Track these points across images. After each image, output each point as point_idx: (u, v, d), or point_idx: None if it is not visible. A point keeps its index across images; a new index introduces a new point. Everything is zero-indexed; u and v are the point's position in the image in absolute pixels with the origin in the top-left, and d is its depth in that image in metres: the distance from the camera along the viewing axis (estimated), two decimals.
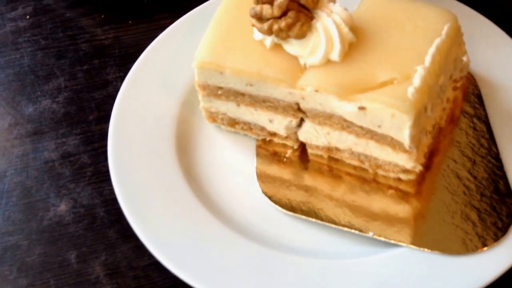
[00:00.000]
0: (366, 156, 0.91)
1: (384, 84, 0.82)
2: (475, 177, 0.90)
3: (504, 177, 0.89)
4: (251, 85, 0.90)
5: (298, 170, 0.96)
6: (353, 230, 0.87)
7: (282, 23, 0.84)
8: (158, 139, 0.97)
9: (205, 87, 0.94)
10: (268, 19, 0.85)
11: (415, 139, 0.84)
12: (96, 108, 1.08)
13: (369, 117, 0.84)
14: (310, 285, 0.82)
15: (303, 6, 0.85)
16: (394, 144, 0.86)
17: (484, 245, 0.83)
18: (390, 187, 0.91)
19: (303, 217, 0.89)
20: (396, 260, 0.84)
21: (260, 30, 0.86)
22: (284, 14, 0.84)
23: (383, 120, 0.83)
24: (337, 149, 0.93)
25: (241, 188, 0.95)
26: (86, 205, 0.96)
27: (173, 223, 0.88)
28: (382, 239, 0.86)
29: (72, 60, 1.16)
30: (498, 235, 0.83)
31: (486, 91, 1.00)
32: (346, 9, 0.86)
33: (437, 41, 0.85)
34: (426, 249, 0.83)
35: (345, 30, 0.84)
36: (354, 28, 0.86)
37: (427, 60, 0.83)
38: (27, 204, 0.97)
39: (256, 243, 0.86)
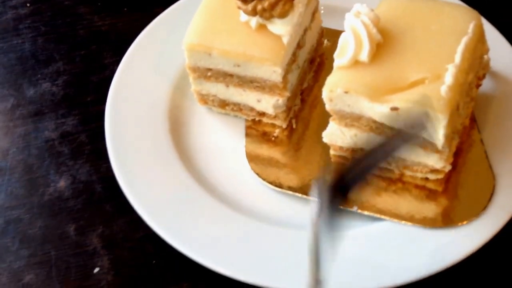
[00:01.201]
0: (393, 157, 0.89)
1: (415, 84, 0.81)
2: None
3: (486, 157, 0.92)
4: (238, 65, 0.93)
5: (285, 149, 0.99)
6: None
7: (266, 3, 0.87)
8: (152, 120, 1.01)
9: (195, 69, 0.97)
10: (252, 0, 0.88)
11: (449, 138, 0.83)
12: (93, 91, 1.12)
13: (402, 118, 0.80)
14: (295, 256, 0.82)
15: None
16: (425, 144, 0.84)
17: (464, 220, 0.85)
18: (416, 186, 0.91)
19: (290, 192, 0.92)
20: (380, 233, 0.87)
21: (245, 12, 0.90)
22: None
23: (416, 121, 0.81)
24: (363, 151, 0.90)
25: (231, 166, 0.98)
26: (84, 181, 1.00)
27: (168, 197, 0.92)
28: (366, 213, 0.88)
29: (71, 46, 1.20)
30: (478, 211, 0.86)
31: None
32: (372, 10, 0.86)
33: (465, 39, 0.84)
34: (408, 223, 0.86)
35: (374, 31, 0.83)
36: (380, 29, 0.85)
37: (457, 58, 0.82)
38: (29, 180, 1.01)
39: (246, 216, 0.90)
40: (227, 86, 0.99)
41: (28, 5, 1.27)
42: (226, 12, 0.94)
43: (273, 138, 1.00)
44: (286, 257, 0.85)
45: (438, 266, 0.81)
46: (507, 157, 0.92)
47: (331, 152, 0.95)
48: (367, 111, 0.83)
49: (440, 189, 0.90)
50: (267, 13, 0.88)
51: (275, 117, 0.99)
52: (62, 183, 1.00)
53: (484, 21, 1.01)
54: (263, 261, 0.85)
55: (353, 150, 0.93)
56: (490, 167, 0.91)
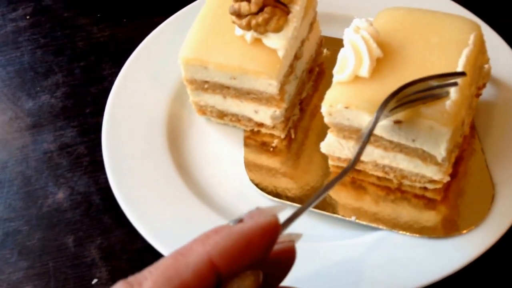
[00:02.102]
0: (391, 168, 0.89)
1: None
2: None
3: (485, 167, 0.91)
4: (234, 78, 0.93)
5: (284, 159, 0.99)
6: (336, 215, 0.89)
7: (260, 18, 0.87)
8: (151, 131, 1.01)
9: (192, 81, 0.98)
10: (246, 15, 0.89)
11: (450, 152, 0.83)
12: (92, 102, 1.13)
13: (404, 131, 0.82)
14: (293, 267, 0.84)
15: (279, 1, 0.89)
16: (425, 157, 0.84)
17: (463, 229, 0.85)
18: (415, 195, 0.91)
19: (288, 203, 0.92)
20: (378, 242, 0.86)
21: (240, 26, 0.90)
22: (261, 10, 0.88)
23: (419, 134, 0.81)
24: (361, 161, 0.91)
25: (229, 176, 0.98)
26: (83, 193, 1.00)
27: (164, 209, 0.92)
28: (364, 223, 0.88)
29: (70, 57, 1.21)
30: (476, 220, 0.85)
31: None
32: (371, 24, 0.85)
33: (466, 51, 0.83)
34: (406, 232, 0.86)
35: (374, 46, 0.83)
36: (379, 42, 0.84)
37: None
38: (27, 192, 1.01)
39: None
40: (225, 97, 0.99)
41: (27, 17, 1.28)
42: (222, 26, 0.95)
43: (271, 148, 1.00)
44: None
45: (437, 276, 0.81)
46: (507, 165, 0.92)
47: (330, 162, 0.95)
48: (367, 124, 0.82)
49: (439, 198, 0.89)
50: (262, 28, 0.89)
51: (273, 127, 0.99)
52: (60, 195, 1.00)
53: (486, 26, 1.03)
54: None
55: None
56: (490, 176, 0.90)
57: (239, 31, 0.92)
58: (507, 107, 0.98)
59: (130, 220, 0.90)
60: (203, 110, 1.03)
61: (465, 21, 0.90)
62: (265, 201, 0.93)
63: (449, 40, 0.86)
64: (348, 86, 0.83)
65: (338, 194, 0.93)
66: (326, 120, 0.87)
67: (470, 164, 0.92)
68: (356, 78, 0.83)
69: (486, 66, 0.93)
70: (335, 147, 0.91)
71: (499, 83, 1.01)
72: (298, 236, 0.59)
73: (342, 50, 0.85)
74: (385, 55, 0.84)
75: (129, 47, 1.12)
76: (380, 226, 0.88)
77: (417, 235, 0.86)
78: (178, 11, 1.15)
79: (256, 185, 0.95)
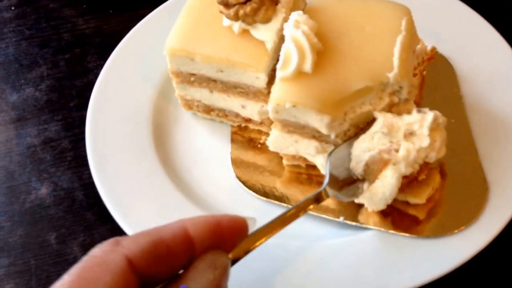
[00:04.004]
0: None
1: (359, 93, 0.82)
2: (450, 164, 0.90)
3: (479, 167, 0.90)
4: (221, 71, 0.92)
5: (272, 156, 0.97)
6: (324, 215, 0.88)
7: (247, 8, 0.85)
8: (135, 125, 0.99)
9: (178, 74, 0.96)
10: (234, 5, 0.87)
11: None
12: (76, 95, 1.11)
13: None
14: (281, 267, 0.83)
15: None
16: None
17: (453, 229, 0.84)
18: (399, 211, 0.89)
19: (276, 202, 0.91)
20: (368, 243, 0.85)
21: (227, 16, 0.88)
22: None
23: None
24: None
25: (216, 173, 0.97)
26: (66, 189, 0.99)
27: (149, 206, 0.90)
28: (353, 223, 0.87)
29: (55, 49, 1.19)
30: (466, 221, 0.84)
31: (463, 75, 1.02)
32: (309, 18, 0.85)
33: (399, 39, 0.84)
34: (395, 232, 0.84)
35: (315, 40, 0.82)
36: (317, 35, 0.84)
37: (395, 62, 0.82)
38: (10, 187, 0.99)
39: None
40: (211, 91, 0.97)
41: (12, 8, 1.26)
42: (209, 17, 0.93)
43: (259, 145, 0.99)
44: (268, 266, 0.83)
45: (427, 277, 0.80)
46: (501, 164, 0.91)
47: (284, 162, 0.95)
48: (313, 122, 0.83)
49: (421, 216, 0.87)
50: (250, 19, 0.87)
51: (261, 123, 0.98)
52: (43, 190, 0.99)
53: (488, 26, 1.05)
54: (247, 271, 0.82)
55: (305, 159, 0.92)
56: (484, 174, 0.89)
57: (226, 22, 0.90)
58: (502, 107, 0.97)
59: (114, 216, 0.88)
60: (189, 104, 1.01)
61: (396, 6, 0.90)
62: (252, 200, 0.92)
63: (383, 28, 0.86)
64: (293, 82, 0.82)
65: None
66: (272, 116, 0.86)
67: (464, 163, 0.91)
68: (300, 74, 0.82)
69: (418, 46, 0.92)
70: (281, 143, 0.91)
71: (495, 85, 1.00)
72: (253, 220, 0.65)
73: (283, 46, 0.84)
74: (323, 47, 0.84)
75: (115, 39, 1.10)
76: (369, 226, 0.86)
77: (407, 234, 0.84)
78: (164, 3, 1.13)
79: (243, 182, 0.94)
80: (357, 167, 0.79)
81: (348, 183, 0.82)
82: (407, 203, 0.87)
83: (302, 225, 0.88)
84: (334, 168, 0.82)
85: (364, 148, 0.81)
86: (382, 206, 0.81)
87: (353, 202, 0.86)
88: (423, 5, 1.00)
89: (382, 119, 0.80)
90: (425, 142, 0.75)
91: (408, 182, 0.84)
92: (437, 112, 0.80)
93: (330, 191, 0.80)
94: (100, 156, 0.95)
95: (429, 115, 0.76)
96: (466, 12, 1.10)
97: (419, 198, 0.85)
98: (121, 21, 1.22)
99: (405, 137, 0.76)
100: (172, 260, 0.57)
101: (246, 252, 0.65)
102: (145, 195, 0.91)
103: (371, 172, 0.79)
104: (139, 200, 0.91)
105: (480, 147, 0.93)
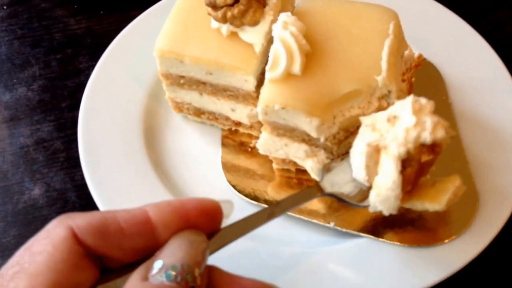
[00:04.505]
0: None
1: (348, 96, 0.82)
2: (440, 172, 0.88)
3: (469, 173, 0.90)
4: (210, 73, 0.92)
5: (262, 160, 0.97)
6: (314, 220, 0.88)
7: (235, 10, 0.86)
8: (127, 128, 1.00)
9: (167, 76, 0.96)
10: (221, 7, 0.87)
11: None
12: (68, 96, 1.12)
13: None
14: (271, 272, 0.83)
15: None
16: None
17: (443, 239, 0.84)
18: None
19: (266, 206, 0.89)
20: (356, 250, 0.85)
21: (215, 18, 0.88)
22: (236, 1, 0.86)
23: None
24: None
25: (206, 177, 0.97)
26: (59, 189, 1.00)
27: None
28: (343, 229, 0.87)
29: (47, 49, 1.19)
30: (456, 230, 0.84)
31: (451, 82, 1.02)
32: (298, 19, 0.85)
33: (387, 42, 0.84)
34: (385, 240, 0.85)
35: (303, 42, 0.83)
36: (306, 37, 0.84)
37: (383, 66, 0.82)
38: (3, 187, 1.00)
39: None
40: (201, 94, 0.97)
41: (4, 7, 1.27)
42: (198, 18, 0.92)
43: (249, 149, 0.99)
44: (258, 271, 0.84)
45: (419, 286, 0.80)
46: (491, 174, 0.91)
47: (274, 166, 0.95)
48: (302, 124, 0.84)
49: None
50: (238, 21, 0.87)
51: (251, 127, 0.98)
52: (36, 191, 1.00)
53: (475, 33, 1.06)
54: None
55: (295, 163, 0.92)
56: (474, 185, 0.89)
57: (215, 24, 0.90)
58: (491, 115, 0.98)
59: None
60: (179, 107, 1.02)
61: (383, 10, 0.90)
62: (243, 203, 0.92)
63: (371, 31, 0.86)
64: (282, 84, 0.83)
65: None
66: (261, 118, 0.86)
67: (454, 171, 0.88)
68: (289, 76, 0.83)
69: (406, 52, 0.92)
70: (270, 146, 0.91)
71: (483, 92, 1.01)
72: (229, 204, 0.62)
73: (272, 47, 0.84)
74: (312, 49, 0.84)
75: (106, 40, 1.10)
76: (360, 234, 0.86)
77: (398, 243, 0.85)
78: (155, 4, 1.13)
79: (234, 186, 0.94)
80: (359, 174, 0.77)
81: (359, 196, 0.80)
82: (425, 218, 0.87)
83: (293, 231, 0.90)
84: (339, 186, 0.80)
85: (359, 151, 0.79)
86: (393, 203, 0.74)
87: (345, 207, 0.87)
88: (411, 12, 1.00)
89: (366, 117, 0.80)
90: (410, 120, 0.72)
91: (423, 187, 0.79)
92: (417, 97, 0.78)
93: (327, 185, 0.79)
94: (92, 158, 0.95)
95: (409, 98, 0.74)
96: (453, 19, 1.10)
97: (437, 203, 0.78)
98: (112, 21, 1.22)
99: (389, 121, 0.74)
100: (127, 242, 0.56)
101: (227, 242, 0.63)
102: (137, 197, 0.92)
103: (371, 171, 0.77)
104: (131, 202, 0.88)
105: (470, 155, 0.93)
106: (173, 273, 0.52)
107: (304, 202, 0.76)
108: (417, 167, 0.74)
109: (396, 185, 0.72)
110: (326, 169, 0.83)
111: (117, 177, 0.94)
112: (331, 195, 0.79)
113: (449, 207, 0.82)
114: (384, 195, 0.72)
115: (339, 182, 0.80)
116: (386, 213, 0.74)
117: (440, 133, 0.71)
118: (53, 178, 1.01)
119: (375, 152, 0.75)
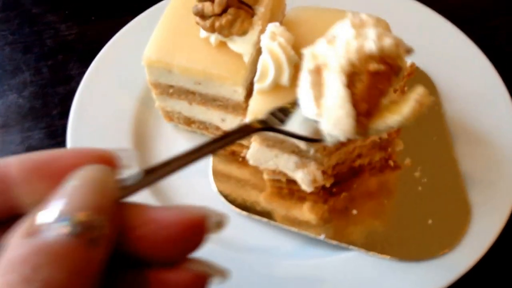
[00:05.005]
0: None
1: None
2: (432, 184, 0.90)
3: (461, 186, 0.89)
4: (199, 83, 0.91)
5: (253, 170, 0.95)
6: (305, 232, 0.87)
7: (223, 20, 0.84)
8: (116, 138, 0.98)
9: (157, 85, 0.95)
10: (209, 17, 0.85)
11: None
12: (59, 103, 1.11)
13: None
14: (261, 285, 0.83)
15: (243, 3, 0.86)
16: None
17: (435, 253, 0.83)
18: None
19: (257, 217, 0.90)
20: (346, 263, 0.84)
21: (204, 28, 0.87)
22: (224, 11, 0.85)
23: None
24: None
25: (196, 186, 0.96)
26: None
27: None
28: (333, 242, 0.86)
29: (38, 55, 1.18)
30: (448, 244, 0.83)
31: (444, 92, 1.01)
32: (287, 30, 0.83)
33: None
34: (376, 253, 0.84)
35: (292, 53, 0.81)
36: (294, 47, 0.82)
37: None
38: None
39: (210, 243, 0.88)
40: (190, 103, 0.96)
41: None
42: (187, 28, 0.91)
43: (241, 159, 0.98)
44: (249, 283, 0.83)
45: None
46: (483, 184, 0.90)
47: (265, 176, 0.94)
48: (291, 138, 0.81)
49: None
50: (226, 31, 0.85)
51: None
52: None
53: (470, 43, 1.04)
54: None
55: (286, 174, 0.91)
56: (467, 197, 0.88)
57: (203, 33, 0.88)
58: (485, 126, 0.97)
59: None
60: (170, 116, 1.01)
61: (374, 19, 0.87)
62: (233, 214, 0.91)
63: None
64: (271, 96, 0.81)
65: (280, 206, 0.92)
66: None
67: (447, 183, 0.90)
68: (277, 87, 0.81)
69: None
70: (260, 157, 0.90)
71: (477, 103, 0.99)
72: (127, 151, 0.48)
73: (261, 58, 0.82)
74: (301, 60, 0.80)
75: (97, 45, 1.09)
76: (350, 247, 0.86)
77: (389, 257, 0.84)
78: (144, 12, 1.12)
79: (225, 196, 0.93)
80: (308, 109, 0.68)
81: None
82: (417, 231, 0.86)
83: (283, 243, 0.89)
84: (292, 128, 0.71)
85: (302, 84, 0.71)
86: (347, 123, 0.64)
87: (337, 221, 0.87)
88: (402, 20, 0.98)
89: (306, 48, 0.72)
90: (349, 33, 0.65)
91: (384, 106, 0.69)
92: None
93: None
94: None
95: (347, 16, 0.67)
96: (446, 27, 1.09)
97: (398, 113, 0.67)
98: (103, 27, 1.21)
99: (329, 43, 0.67)
100: None
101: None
102: None
103: (319, 101, 0.67)
104: None
105: (463, 166, 0.92)
106: (69, 224, 0.39)
107: (245, 136, 0.64)
108: (368, 82, 0.65)
109: (344, 101, 0.63)
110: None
111: None
112: (275, 129, 0.69)
113: (441, 220, 0.84)
114: (334, 116, 0.64)
115: (291, 125, 0.71)
116: (342, 138, 0.65)
117: (388, 42, 0.63)
118: None
119: (317, 76, 0.68)
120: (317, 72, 0.67)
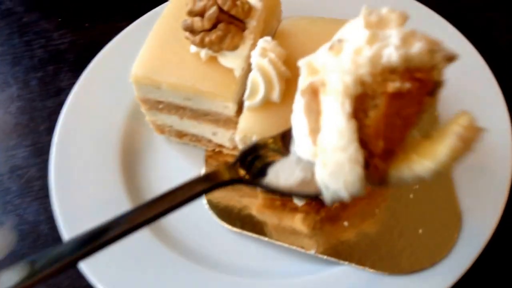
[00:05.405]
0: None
1: None
2: (424, 190, 0.87)
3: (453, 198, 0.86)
4: (189, 99, 0.86)
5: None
6: (295, 247, 0.84)
7: (213, 35, 0.80)
8: (105, 153, 0.94)
9: (145, 101, 0.90)
10: (199, 32, 0.81)
11: None
12: (48, 117, 1.05)
13: None
14: None
15: (234, 17, 0.81)
16: None
17: (425, 264, 0.80)
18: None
19: (248, 233, 0.86)
20: (338, 279, 0.81)
21: (193, 43, 0.83)
22: (214, 26, 0.80)
23: None
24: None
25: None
26: (31, 222, 0.93)
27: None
28: (324, 257, 0.83)
29: (27, 67, 1.13)
30: (437, 256, 0.81)
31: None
32: (278, 45, 0.80)
33: None
34: (367, 268, 0.81)
35: (283, 68, 0.78)
36: (286, 61, 0.80)
37: None
38: None
39: (201, 266, 0.84)
40: (181, 118, 0.91)
41: None
42: (176, 43, 0.86)
43: None
44: None
45: None
46: (474, 192, 0.86)
47: (258, 189, 0.89)
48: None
49: None
50: (216, 46, 0.81)
51: (233, 148, 0.92)
52: (8, 224, 0.93)
53: (468, 44, 1.00)
54: None
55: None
56: (457, 205, 0.85)
57: (193, 48, 0.84)
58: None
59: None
60: (161, 129, 0.96)
61: None
62: (224, 231, 0.88)
63: None
64: (261, 113, 0.79)
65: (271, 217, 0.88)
66: (240, 147, 0.81)
67: (438, 191, 0.87)
68: (268, 103, 0.78)
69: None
70: None
71: (472, 105, 0.91)
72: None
73: (250, 75, 0.79)
74: (292, 74, 0.78)
75: (90, 53, 1.04)
76: (340, 261, 0.82)
77: (380, 271, 0.80)
78: (135, 21, 1.07)
79: (215, 207, 0.89)
80: (301, 145, 0.56)
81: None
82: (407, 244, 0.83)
83: (273, 260, 0.86)
84: (284, 178, 0.63)
85: (295, 110, 0.61)
86: (351, 173, 0.50)
87: (329, 234, 0.84)
88: None
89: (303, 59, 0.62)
90: (361, 36, 0.50)
91: (412, 144, 0.54)
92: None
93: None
94: (64, 188, 0.89)
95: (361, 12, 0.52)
96: (440, 23, 1.04)
97: (431, 157, 0.52)
98: (97, 34, 1.16)
99: (331, 50, 0.53)
100: None
101: None
102: None
103: (315, 133, 0.54)
104: None
105: (454, 172, 0.89)
106: None
107: (196, 197, 0.59)
108: (387, 108, 0.47)
109: (346, 140, 0.46)
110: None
111: (91, 209, 0.87)
112: (246, 182, 0.60)
113: (432, 231, 0.82)
114: (332, 161, 0.48)
115: (282, 172, 0.61)
116: (345, 194, 0.50)
117: (417, 47, 0.46)
118: (26, 210, 0.94)
119: (313, 98, 0.52)
120: (313, 93, 0.53)
